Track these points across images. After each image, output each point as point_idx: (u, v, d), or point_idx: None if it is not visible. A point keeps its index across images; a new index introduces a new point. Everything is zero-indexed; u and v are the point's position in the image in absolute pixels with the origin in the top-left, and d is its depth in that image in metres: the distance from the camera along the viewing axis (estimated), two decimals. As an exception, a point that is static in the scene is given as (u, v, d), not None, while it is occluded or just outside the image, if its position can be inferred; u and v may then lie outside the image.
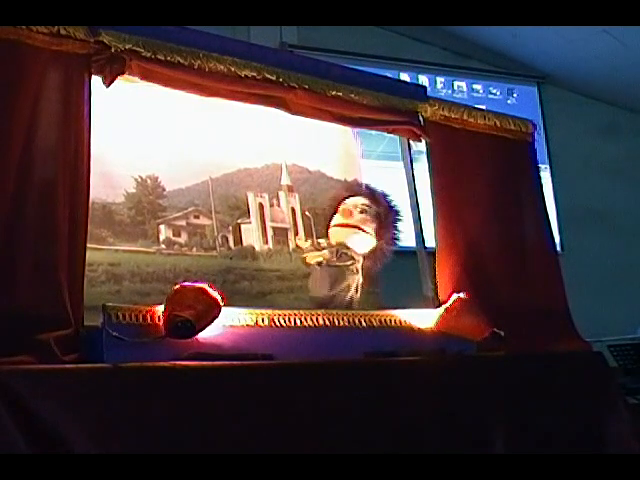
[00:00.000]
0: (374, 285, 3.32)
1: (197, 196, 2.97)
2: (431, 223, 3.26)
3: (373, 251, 3.24)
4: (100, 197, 2.65)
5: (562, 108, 6.81)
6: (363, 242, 3.22)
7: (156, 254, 2.80)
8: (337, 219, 3.24)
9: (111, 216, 2.73)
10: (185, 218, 2.92)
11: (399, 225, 3.32)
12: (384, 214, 3.27)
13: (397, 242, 3.31)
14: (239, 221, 3.06)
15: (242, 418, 2.17)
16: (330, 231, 3.23)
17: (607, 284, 6.31)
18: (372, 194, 3.31)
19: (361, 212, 3.23)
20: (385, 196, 3.33)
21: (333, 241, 3.20)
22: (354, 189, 3.34)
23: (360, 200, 3.27)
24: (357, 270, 3.20)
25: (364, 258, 3.23)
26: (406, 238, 3.51)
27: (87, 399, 1.96)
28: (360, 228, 3.21)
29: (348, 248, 3.19)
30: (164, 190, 2.88)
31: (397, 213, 3.33)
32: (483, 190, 3.31)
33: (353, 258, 3.19)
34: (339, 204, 3.26)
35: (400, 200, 3.47)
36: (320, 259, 3.15)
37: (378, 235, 3.24)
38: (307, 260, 3.14)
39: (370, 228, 3.23)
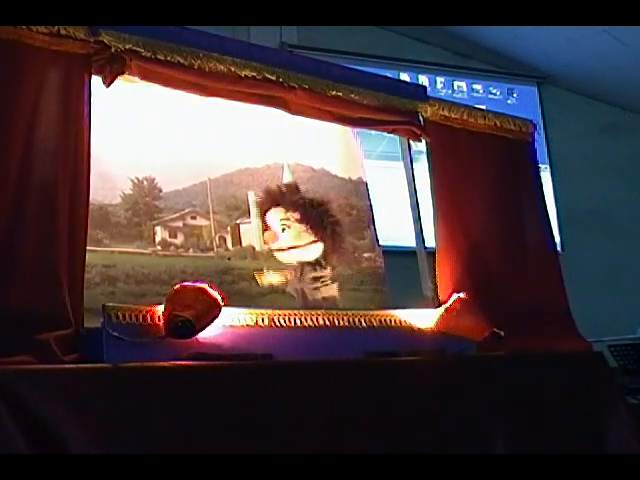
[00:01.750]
0: (381, 283, 3.31)
1: (194, 197, 2.95)
2: (431, 223, 3.26)
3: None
4: (97, 198, 2.63)
5: (562, 108, 6.80)
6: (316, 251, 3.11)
7: (152, 255, 2.79)
8: (275, 244, 3.03)
9: (107, 217, 2.72)
10: (182, 219, 2.90)
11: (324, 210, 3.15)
12: (307, 215, 3.09)
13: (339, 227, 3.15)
14: (238, 221, 3.05)
15: (242, 418, 2.16)
16: (282, 255, 3.03)
17: (607, 284, 6.31)
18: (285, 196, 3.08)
19: (284, 230, 3.04)
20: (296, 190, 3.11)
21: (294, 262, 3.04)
22: (272, 197, 3.07)
23: (279, 215, 3.06)
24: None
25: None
26: (406, 238, 3.51)
27: (87, 399, 1.95)
28: (299, 246, 3.07)
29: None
30: (161, 191, 2.87)
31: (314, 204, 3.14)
32: (483, 190, 3.31)
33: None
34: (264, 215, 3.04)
35: (400, 200, 3.47)
36: None
37: (319, 235, 3.11)
38: None
39: (310, 237, 3.09)
